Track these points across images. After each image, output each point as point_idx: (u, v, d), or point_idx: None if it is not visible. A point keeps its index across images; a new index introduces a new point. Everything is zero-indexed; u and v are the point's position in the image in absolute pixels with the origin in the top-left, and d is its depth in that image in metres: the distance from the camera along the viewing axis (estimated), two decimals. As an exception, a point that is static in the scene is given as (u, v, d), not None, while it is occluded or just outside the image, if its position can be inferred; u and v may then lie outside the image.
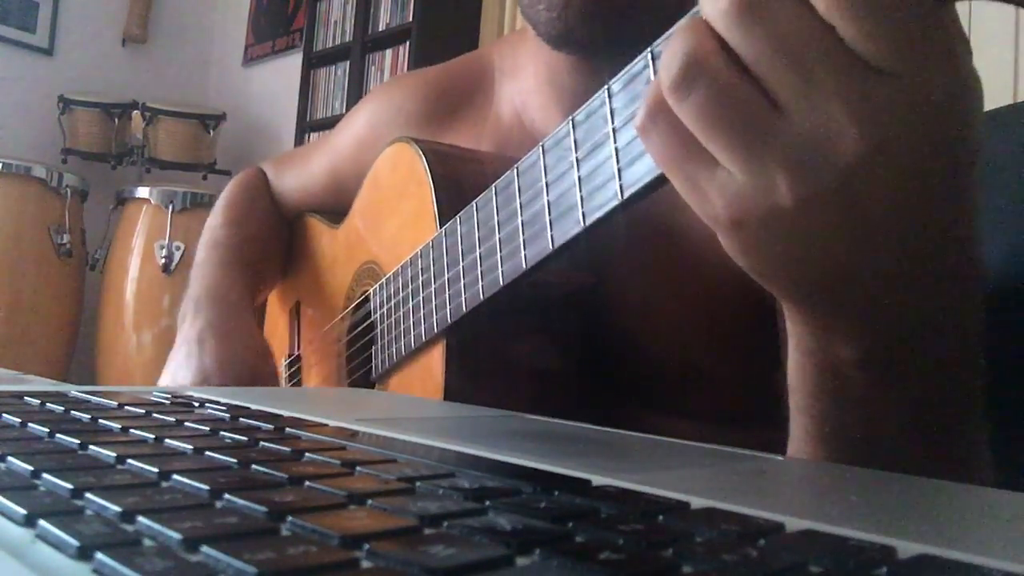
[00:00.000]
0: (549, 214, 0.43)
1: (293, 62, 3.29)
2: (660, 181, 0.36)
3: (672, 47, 0.28)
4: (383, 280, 0.64)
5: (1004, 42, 1.64)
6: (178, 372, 0.70)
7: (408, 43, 2.78)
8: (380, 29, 2.93)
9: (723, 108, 0.27)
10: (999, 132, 0.66)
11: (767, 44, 0.26)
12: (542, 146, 0.43)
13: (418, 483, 0.22)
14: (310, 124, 3.15)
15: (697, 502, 0.21)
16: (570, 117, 0.41)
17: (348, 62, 3.02)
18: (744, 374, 0.55)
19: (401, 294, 0.60)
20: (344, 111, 2.94)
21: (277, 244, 0.88)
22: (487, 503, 0.20)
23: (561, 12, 0.52)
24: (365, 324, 0.67)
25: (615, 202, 0.38)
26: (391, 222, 0.66)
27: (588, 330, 0.57)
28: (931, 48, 0.25)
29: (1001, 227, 0.61)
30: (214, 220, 0.86)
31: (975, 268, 0.32)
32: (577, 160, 0.40)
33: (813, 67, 0.25)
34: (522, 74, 0.66)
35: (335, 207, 0.79)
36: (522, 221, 0.44)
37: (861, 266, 0.29)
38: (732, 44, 0.27)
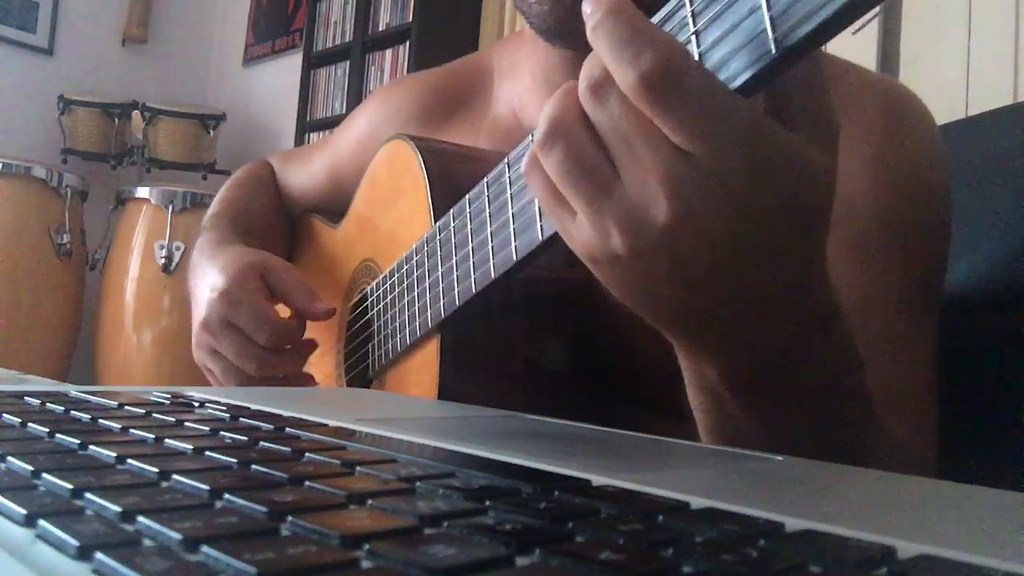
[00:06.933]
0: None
1: (293, 62, 3.30)
2: None
3: (544, 111, 0.33)
4: (380, 278, 0.64)
5: (1004, 42, 1.64)
6: (197, 316, 0.67)
7: (408, 43, 2.79)
8: (380, 29, 2.94)
9: (573, 166, 0.32)
10: (999, 132, 0.66)
11: (608, 121, 0.31)
12: (532, 136, 0.43)
13: (418, 483, 0.22)
14: (310, 124, 3.15)
15: (697, 502, 0.21)
16: None
17: (348, 62, 3.02)
18: None
19: (396, 290, 0.60)
20: (344, 111, 2.94)
21: (277, 224, 0.87)
22: (487, 503, 0.20)
23: (553, 5, 0.52)
24: (362, 321, 0.67)
25: None
26: (388, 219, 0.66)
27: (582, 326, 0.57)
28: (728, 136, 0.29)
29: (1001, 227, 0.61)
30: (217, 197, 0.86)
31: (829, 309, 0.36)
32: None
33: (636, 146, 0.31)
34: (520, 74, 0.66)
35: (335, 206, 0.79)
36: (512, 212, 0.44)
37: (700, 307, 0.34)
38: (588, 115, 0.32)
